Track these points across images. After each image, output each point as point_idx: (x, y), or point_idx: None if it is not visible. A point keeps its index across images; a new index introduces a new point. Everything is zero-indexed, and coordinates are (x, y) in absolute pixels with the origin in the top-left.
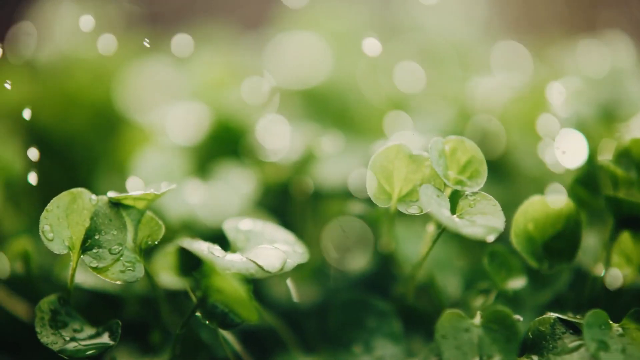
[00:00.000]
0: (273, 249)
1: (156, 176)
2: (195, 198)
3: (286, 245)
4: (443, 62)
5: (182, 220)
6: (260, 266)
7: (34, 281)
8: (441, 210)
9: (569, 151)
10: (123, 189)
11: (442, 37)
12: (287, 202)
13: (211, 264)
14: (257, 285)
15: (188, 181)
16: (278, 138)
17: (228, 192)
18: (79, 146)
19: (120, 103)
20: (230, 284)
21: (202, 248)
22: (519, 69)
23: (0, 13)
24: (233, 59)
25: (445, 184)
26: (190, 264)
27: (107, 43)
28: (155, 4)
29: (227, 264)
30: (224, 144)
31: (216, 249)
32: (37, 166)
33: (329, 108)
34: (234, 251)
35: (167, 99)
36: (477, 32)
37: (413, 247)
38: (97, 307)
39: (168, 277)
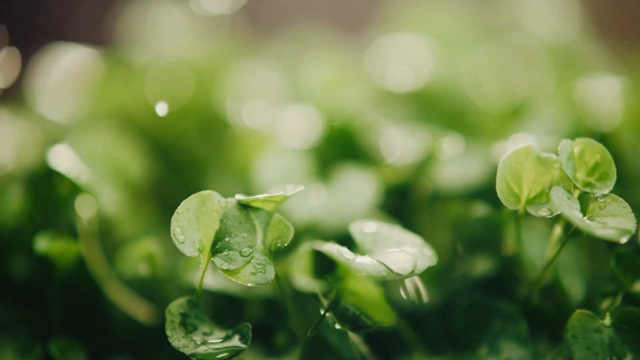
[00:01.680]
0: (402, 251)
1: (278, 179)
2: (318, 201)
3: (414, 248)
4: (548, 63)
5: (306, 223)
6: (390, 269)
7: (158, 283)
8: (573, 212)
9: None
10: (239, 191)
11: (544, 37)
12: (406, 204)
13: (346, 267)
14: None
15: (310, 184)
16: (395, 140)
17: (350, 195)
18: (185, 149)
19: (224, 106)
20: (365, 287)
21: (333, 250)
22: (626, 70)
23: (102, 15)
24: (340, 62)
25: (574, 186)
26: (323, 266)
27: (209, 46)
28: (256, 6)
29: (358, 267)
30: (340, 147)
31: (345, 252)
32: (151, 170)
33: (437, 110)
34: (361, 254)
35: (273, 102)
36: (577, 33)
37: (537, 249)
38: (220, 309)
39: (301, 279)
